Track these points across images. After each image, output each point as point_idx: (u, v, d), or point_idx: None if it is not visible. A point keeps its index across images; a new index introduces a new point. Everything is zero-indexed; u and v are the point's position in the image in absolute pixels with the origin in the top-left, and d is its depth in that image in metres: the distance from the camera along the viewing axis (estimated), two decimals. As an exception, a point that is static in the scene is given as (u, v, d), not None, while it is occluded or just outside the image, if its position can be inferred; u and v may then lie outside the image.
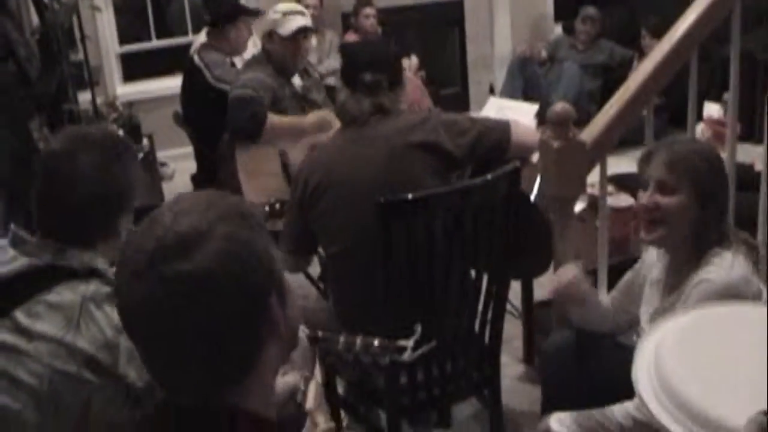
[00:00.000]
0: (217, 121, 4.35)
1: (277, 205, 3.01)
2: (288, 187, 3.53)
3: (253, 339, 1.30)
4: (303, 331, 1.80)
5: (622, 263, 2.98)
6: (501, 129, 3.07)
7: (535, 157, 2.94)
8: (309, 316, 2.67)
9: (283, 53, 4.34)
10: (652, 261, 2.58)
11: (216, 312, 1.25)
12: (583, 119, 3.19)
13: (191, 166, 5.45)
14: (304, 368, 1.79)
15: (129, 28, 7.71)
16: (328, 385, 3.15)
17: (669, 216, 2.35)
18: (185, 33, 7.60)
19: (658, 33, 2.90)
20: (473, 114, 4.36)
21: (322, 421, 1.70)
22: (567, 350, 2.76)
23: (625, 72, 6.28)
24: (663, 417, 1.68)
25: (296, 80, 4.47)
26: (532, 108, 4.06)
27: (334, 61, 6.48)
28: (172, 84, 5.48)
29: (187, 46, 6.31)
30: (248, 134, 4.07)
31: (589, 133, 2.46)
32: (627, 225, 3.57)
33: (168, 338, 1.25)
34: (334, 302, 3.18)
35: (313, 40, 6.73)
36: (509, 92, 7.43)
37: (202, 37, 5.41)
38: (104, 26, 7.29)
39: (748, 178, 3.45)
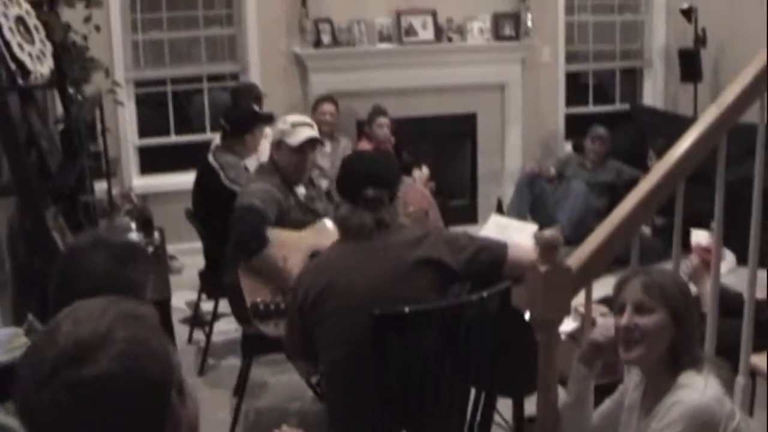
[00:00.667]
0: (227, 221, 4.41)
1: (272, 306, 3.10)
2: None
3: None
4: None
5: (612, 384, 3.04)
6: (498, 249, 3.19)
7: (530, 277, 3.05)
8: (303, 417, 2.76)
9: (290, 163, 4.44)
10: (631, 388, 2.66)
11: (122, 413, 1.29)
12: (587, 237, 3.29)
13: (200, 262, 5.55)
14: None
15: (149, 121, 7.88)
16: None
17: (647, 335, 2.44)
18: (203, 130, 7.76)
19: (665, 154, 3.01)
20: (476, 228, 4.45)
21: None
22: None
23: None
24: None
25: (300, 189, 4.57)
26: (532, 228, 4.18)
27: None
28: (187, 179, 5.60)
29: (204, 143, 6.47)
30: (246, 249, 4.08)
31: (576, 259, 2.56)
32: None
33: None
34: (328, 406, 3.24)
35: (328, 146, 6.92)
36: (517, 208, 7.55)
37: (217, 139, 5.58)
38: (125, 119, 7.46)
39: (736, 305, 3.52)
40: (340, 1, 7.71)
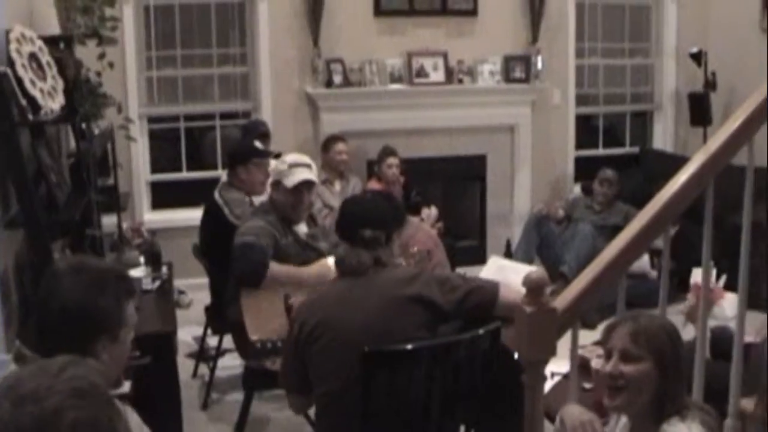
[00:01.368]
0: (231, 258, 4.44)
1: (269, 345, 3.15)
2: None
3: None
4: None
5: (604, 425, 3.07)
6: (489, 289, 3.25)
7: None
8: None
9: (287, 203, 4.51)
10: (619, 429, 2.69)
11: None
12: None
13: (208, 297, 5.59)
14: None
15: (162, 157, 7.97)
16: None
17: (632, 383, 2.46)
18: (215, 167, 7.85)
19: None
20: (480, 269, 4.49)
21: None
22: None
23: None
24: None
25: (302, 228, 4.63)
26: (532, 269, 4.20)
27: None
28: (198, 215, 5.65)
29: (215, 180, 6.54)
30: (249, 282, 4.19)
31: (562, 301, 2.61)
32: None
33: None
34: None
35: (337, 185, 7.01)
36: (524, 249, 7.56)
37: (225, 175, 5.64)
38: (138, 154, 7.55)
39: (727, 347, 3.53)
40: (352, 41, 7.81)
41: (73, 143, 5.13)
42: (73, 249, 4.50)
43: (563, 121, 8.65)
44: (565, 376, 3.53)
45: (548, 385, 3.22)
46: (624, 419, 2.67)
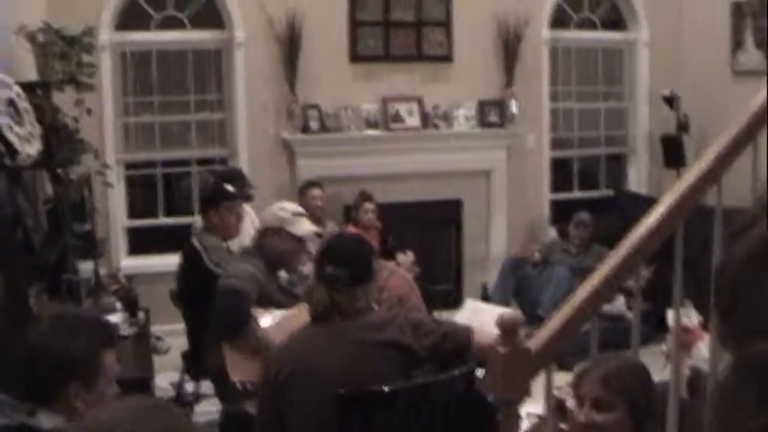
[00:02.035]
0: (209, 304, 4.43)
1: (249, 386, 3.16)
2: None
3: None
4: None
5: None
6: (463, 333, 3.27)
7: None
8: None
9: (288, 250, 4.53)
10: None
11: None
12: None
13: (185, 343, 5.57)
14: None
15: (139, 202, 7.98)
16: None
17: None
18: (192, 213, 7.83)
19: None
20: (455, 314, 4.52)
21: None
22: None
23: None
24: None
25: (282, 274, 4.64)
26: (507, 311, 4.23)
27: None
28: (175, 261, 5.64)
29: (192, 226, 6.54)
30: (231, 331, 4.16)
31: (536, 341, 2.62)
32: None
33: None
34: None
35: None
36: (501, 292, 7.59)
37: (199, 221, 5.65)
38: (114, 200, 7.56)
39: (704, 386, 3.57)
40: (328, 87, 7.86)
41: (50, 189, 5.13)
42: (50, 294, 4.50)
43: (538, 164, 8.71)
44: (541, 417, 3.55)
45: (524, 426, 3.23)
46: None
